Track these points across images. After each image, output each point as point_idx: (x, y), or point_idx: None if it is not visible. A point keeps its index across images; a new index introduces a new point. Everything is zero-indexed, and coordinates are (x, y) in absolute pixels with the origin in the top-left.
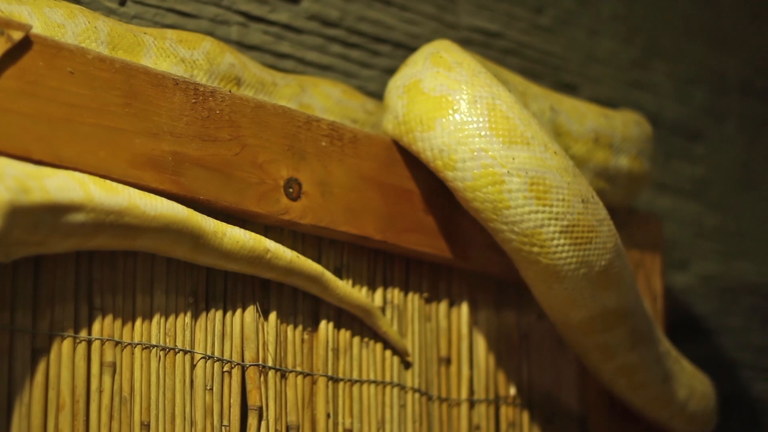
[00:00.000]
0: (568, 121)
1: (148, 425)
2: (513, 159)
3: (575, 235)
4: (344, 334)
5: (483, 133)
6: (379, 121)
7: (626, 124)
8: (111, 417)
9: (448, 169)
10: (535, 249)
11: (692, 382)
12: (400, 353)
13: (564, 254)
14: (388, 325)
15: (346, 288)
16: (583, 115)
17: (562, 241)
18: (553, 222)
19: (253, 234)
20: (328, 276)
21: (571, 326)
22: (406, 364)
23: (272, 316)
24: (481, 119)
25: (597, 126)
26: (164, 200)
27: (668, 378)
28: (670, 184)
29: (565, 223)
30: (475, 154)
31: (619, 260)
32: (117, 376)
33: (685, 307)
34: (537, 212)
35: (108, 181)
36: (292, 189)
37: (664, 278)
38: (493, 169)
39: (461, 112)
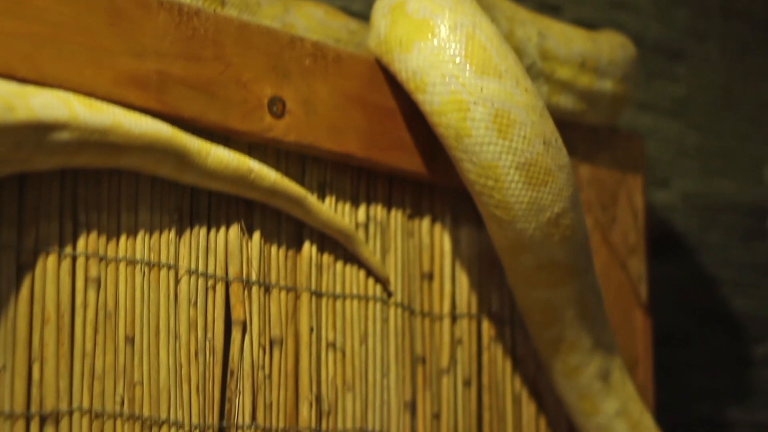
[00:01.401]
0: (555, 45)
1: (133, 339)
2: (481, 89)
3: (531, 175)
4: (328, 251)
5: (457, 60)
6: (362, 40)
7: (612, 47)
8: (96, 331)
9: (419, 91)
10: (490, 182)
11: (628, 402)
12: (382, 282)
13: (517, 191)
14: (370, 252)
15: (328, 212)
16: (570, 40)
17: (516, 178)
18: (510, 157)
19: (237, 154)
20: (311, 200)
21: (519, 274)
22: (388, 293)
23: (256, 234)
24: (457, 46)
25: (584, 50)
26: (148, 119)
27: (604, 377)
28: (651, 103)
29: (522, 160)
30: (446, 79)
31: (575, 213)
32: (102, 291)
33: (666, 224)
34: (496, 145)
35: (92, 100)
36: (276, 107)
37: (646, 196)
38: (461, 96)
39: (440, 37)
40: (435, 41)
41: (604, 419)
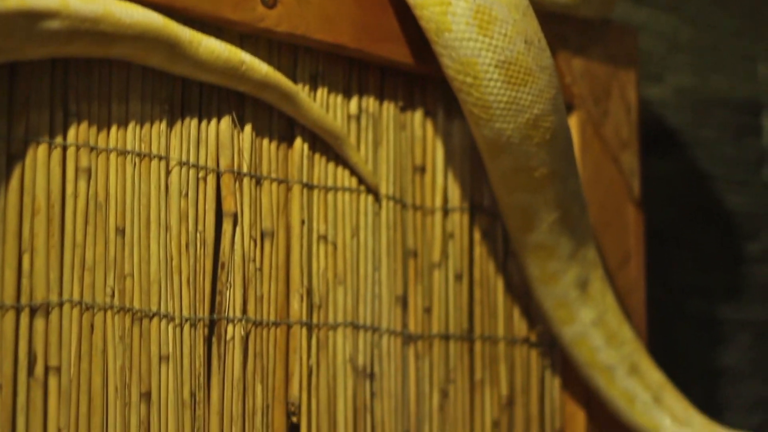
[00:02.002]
0: None
1: (123, 230)
2: None
3: (510, 74)
4: (320, 144)
5: None
6: None
7: None
8: (86, 222)
9: None
10: (469, 79)
11: (606, 313)
12: (370, 188)
13: (495, 90)
14: (359, 156)
15: (320, 111)
16: None
17: (495, 76)
18: (489, 54)
19: (228, 45)
20: (303, 96)
21: (498, 175)
22: (378, 200)
23: (248, 126)
24: None
25: None
26: (140, 8)
27: (582, 286)
28: None
29: (502, 58)
30: None
31: (556, 116)
32: (92, 182)
33: (659, 119)
34: (476, 41)
35: None
36: None
37: (639, 91)
38: None
39: None
40: None
41: (579, 327)
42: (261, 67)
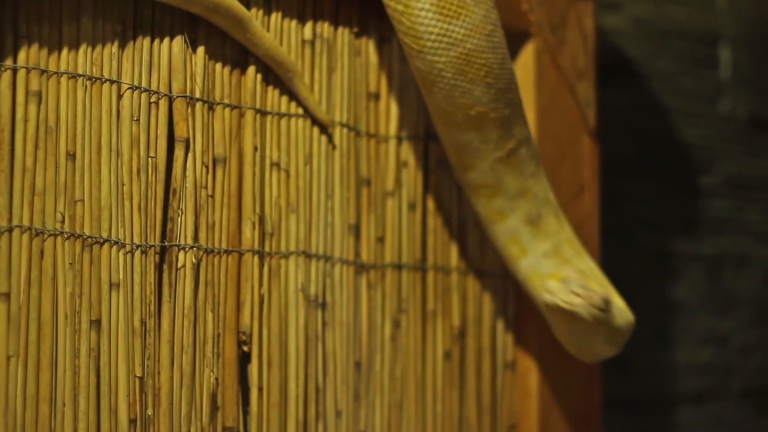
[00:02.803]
0: None
1: (74, 155)
2: None
3: (443, 5)
4: (274, 71)
5: None
6: None
7: None
8: (36, 147)
9: None
10: (400, 7)
11: (562, 244)
12: (320, 124)
13: (426, 20)
14: (309, 92)
15: (272, 41)
16: None
17: (426, 6)
18: None
19: None
20: (255, 23)
21: (434, 111)
22: (329, 137)
23: (200, 49)
24: None
25: None
26: None
27: (533, 222)
28: None
29: None
30: None
31: (494, 55)
32: (42, 106)
33: (617, 49)
34: None
35: None
36: None
37: (596, 19)
38: None
39: None
40: None
41: (531, 259)
42: None
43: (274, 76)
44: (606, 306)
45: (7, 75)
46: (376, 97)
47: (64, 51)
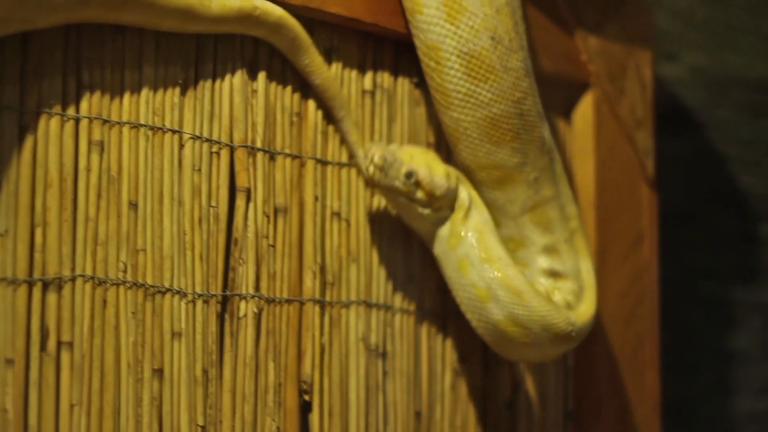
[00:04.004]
0: None
1: (136, 205)
2: None
3: (471, 67)
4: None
5: None
6: None
7: None
8: (99, 196)
9: None
10: (432, 63)
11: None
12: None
13: (455, 79)
14: (359, 134)
15: (329, 74)
16: None
17: (456, 66)
18: (452, 43)
19: None
20: (315, 51)
21: (461, 167)
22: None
23: (261, 99)
24: None
25: None
26: None
27: (576, 295)
28: None
29: (465, 49)
30: None
31: (522, 122)
32: (105, 155)
33: (675, 98)
34: (442, 27)
35: None
36: None
37: (654, 69)
38: None
39: None
40: None
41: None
42: (275, 10)
43: (335, 125)
44: (383, 164)
45: (69, 125)
46: (436, 147)
47: (126, 100)
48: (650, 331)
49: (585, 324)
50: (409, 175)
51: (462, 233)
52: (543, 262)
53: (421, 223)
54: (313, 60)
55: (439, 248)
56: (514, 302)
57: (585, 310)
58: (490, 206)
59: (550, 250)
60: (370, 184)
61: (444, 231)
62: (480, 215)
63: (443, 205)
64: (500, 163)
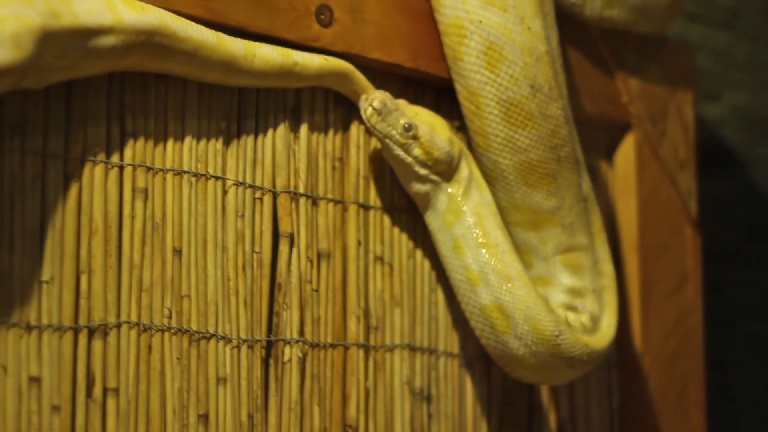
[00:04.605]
0: None
1: (180, 251)
2: (481, 21)
3: (510, 114)
4: (375, 163)
5: None
6: None
7: None
8: (143, 243)
9: (436, 10)
10: (472, 108)
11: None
12: None
13: (494, 124)
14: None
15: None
16: None
17: (495, 112)
18: (492, 90)
19: (280, 49)
20: (359, 74)
21: (498, 206)
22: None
23: (303, 144)
24: None
25: None
26: (194, 24)
27: (594, 320)
28: (702, 14)
29: (504, 98)
30: (455, 4)
31: (558, 166)
32: (149, 202)
33: (716, 138)
34: (482, 75)
35: (137, 1)
36: (324, 15)
37: (696, 109)
38: (463, 22)
39: None
40: None
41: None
42: (313, 62)
43: (377, 170)
44: (382, 108)
45: (114, 172)
46: None
47: (170, 147)
48: (696, 373)
49: (587, 347)
50: (407, 127)
51: (460, 212)
52: (564, 297)
53: (416, 184)
54: (358, 84)
55: (435, 222)
56: (502, 287)
57: (595, 338)
58: (523, 247)
59: (574, 291)
60: (368, 128)
61: (441, 203)
62: (481, 196)
63: (442, 170)
64: (535, 205)
